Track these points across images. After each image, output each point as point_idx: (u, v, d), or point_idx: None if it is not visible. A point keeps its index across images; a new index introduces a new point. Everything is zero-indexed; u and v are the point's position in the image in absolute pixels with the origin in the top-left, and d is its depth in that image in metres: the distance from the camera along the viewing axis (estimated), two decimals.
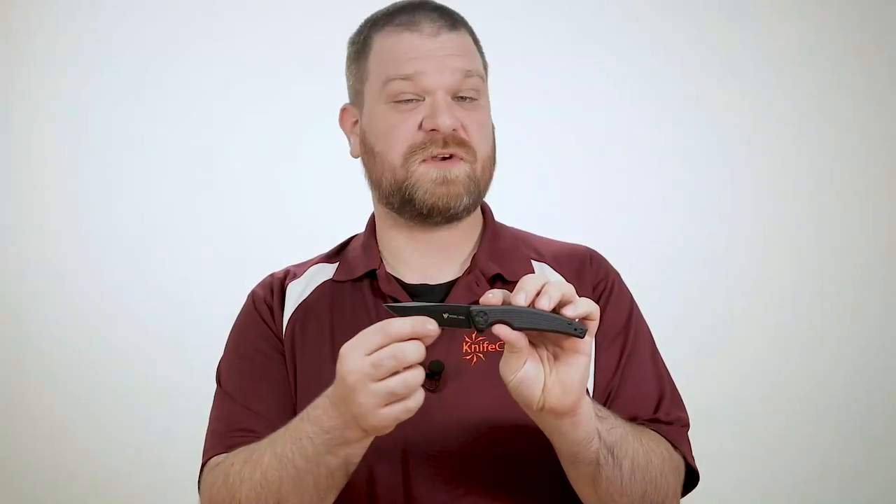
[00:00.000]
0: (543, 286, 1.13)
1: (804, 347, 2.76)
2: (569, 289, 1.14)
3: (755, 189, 2.80)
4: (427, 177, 1.41)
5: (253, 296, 1.53)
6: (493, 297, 1.14)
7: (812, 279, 2.78)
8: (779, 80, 2.80)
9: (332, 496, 1.27)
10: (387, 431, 1.18)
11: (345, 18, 1.57)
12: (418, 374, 1.14)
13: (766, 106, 2.81)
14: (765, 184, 2.80)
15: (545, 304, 1.12)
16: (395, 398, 1.14)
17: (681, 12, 2.82)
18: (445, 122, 1.40)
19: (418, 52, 1.42)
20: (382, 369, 1.13)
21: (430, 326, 1.14)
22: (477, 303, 1.16)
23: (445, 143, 1.41)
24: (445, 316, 1.15)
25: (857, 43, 2.78)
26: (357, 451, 1.21)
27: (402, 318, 1.14)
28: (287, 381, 1.44)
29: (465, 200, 1.43)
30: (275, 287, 1.51)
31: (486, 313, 1.13)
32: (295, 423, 1.25)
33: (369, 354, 1.13)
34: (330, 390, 1.19)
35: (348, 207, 1.67)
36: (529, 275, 1.19)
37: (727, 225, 2.80)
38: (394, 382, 1.13)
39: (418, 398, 1.15)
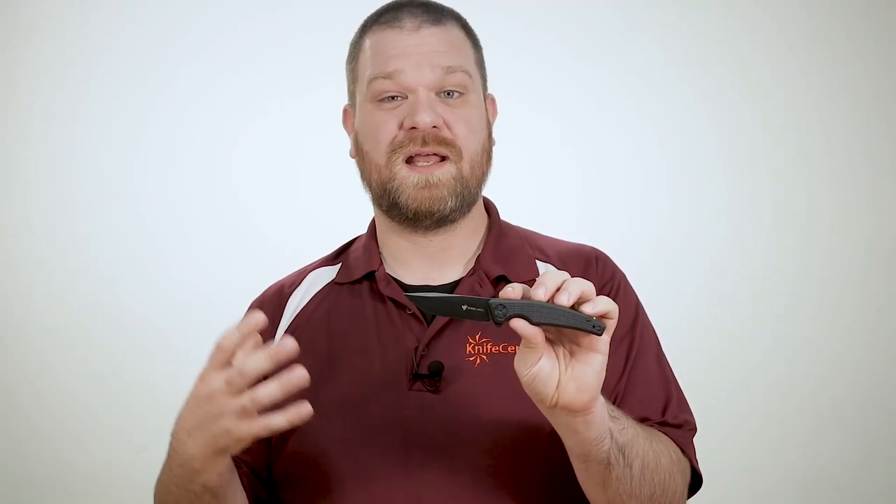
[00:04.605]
0: (563, 282, 1.12)
1: (805, 348, 2.76)
2: (588, 286, 1.13)
3: (756, 189, 2.80)
4: (409, 181, 1.41)
5: (249, 310, 1.53)
6: (513, 290, 1.13)
7: (813, 279, 2.78)
8: (780, 79, 2.81)
9: None
10: (242, 448, 1.20)
11: (351, 17, 1.57)
12: (270, 390, 1.15)
13: (767, 105, 2.81)
14: (766, 184, 2.80)
15: (564, 300, 1.11)
16: (250, 413, 1.15)
17: (681, 10, 2.83)
18: (424, 119, 1.39)
19: (398, 48, 1.42)
20: (234, 386, 1.15)
21: (255, 318, 1.16)
22: (496, 296, 1.15)
23: (425, 142, 1.40)
24: (464, 308, 1.14)
25: (859, 43, 2.79)
26: (211, 478, 1.23)
27: (231, 329, 1.17)
28: None
29: (451, 203, 1.41)
30: (271, 301, 1.51)
31: (504, 307, 1.11)
32: (169, 450, 1.28)
33: (221, 372, 1.16)
34: (179, 422, 1.22)
35: (353, 208, 1.66)
36: (550, 270, 1.19)
37: (727, 225, 2.80)
38: (245, 399, 1.15)
39: (279, 420, 1.16)
